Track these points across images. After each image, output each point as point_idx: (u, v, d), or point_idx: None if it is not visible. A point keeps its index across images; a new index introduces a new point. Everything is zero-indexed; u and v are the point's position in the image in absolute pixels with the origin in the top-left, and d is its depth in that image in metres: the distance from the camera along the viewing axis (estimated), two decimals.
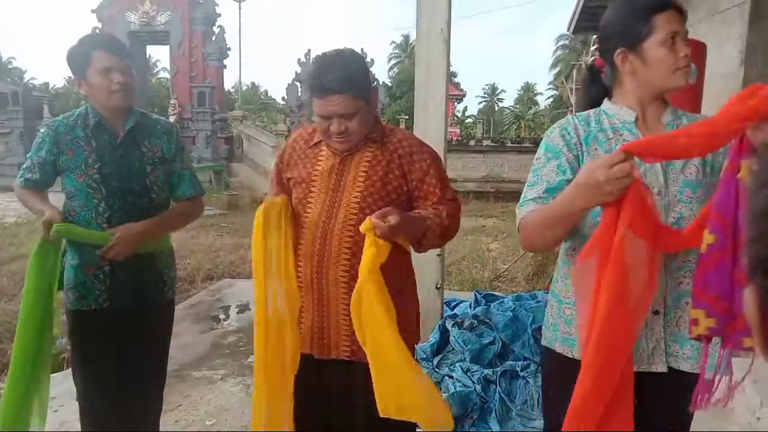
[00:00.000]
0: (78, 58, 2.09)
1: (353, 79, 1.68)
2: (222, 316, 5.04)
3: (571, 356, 1.51)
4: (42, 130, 2.21)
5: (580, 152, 1.49)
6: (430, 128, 3.39)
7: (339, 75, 1.66)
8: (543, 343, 1.65)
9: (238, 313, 5.15)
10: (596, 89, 1.62)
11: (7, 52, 69.53)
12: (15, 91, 17.76)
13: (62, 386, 3.33)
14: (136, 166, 2.19)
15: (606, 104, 1.57)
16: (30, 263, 2.00)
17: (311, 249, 1.78)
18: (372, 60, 18.02)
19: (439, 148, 3.10)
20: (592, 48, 27.80)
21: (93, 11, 19.17)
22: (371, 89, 1.77)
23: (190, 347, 4.17)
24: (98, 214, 2.12)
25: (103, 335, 2.18)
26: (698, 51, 4.22)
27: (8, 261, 6.97)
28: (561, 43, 50.36)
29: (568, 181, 1.42)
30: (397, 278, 1.81)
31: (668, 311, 1.47)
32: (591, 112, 1.58)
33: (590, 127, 1.53)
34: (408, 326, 1.86)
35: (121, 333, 2.21)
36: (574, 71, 29.36)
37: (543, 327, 1.67)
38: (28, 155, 2.22)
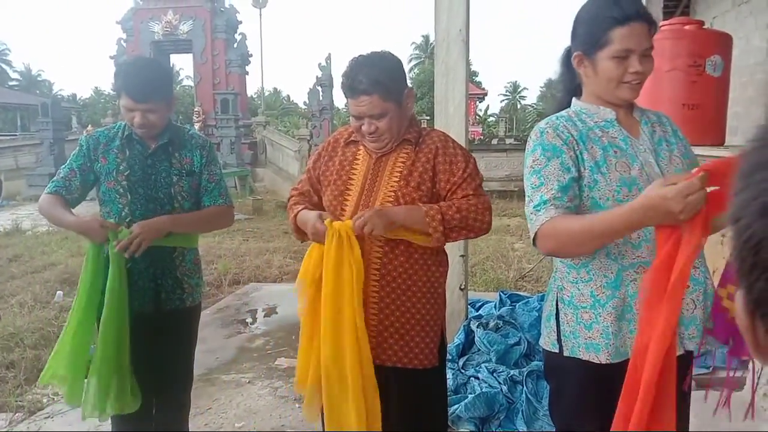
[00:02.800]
0: (115, 85, 2.24)
1: (381, 81, 1.72)
2: (249, 320, 5.11)
3: (598, 361, 1.50)
4: (82, 139, 2.32)
5: (578, 150, 1.49)
6: (450, 129, 3.38)
7: (368, 76, 1.72)
8: (561, 352, 1.60)
9: (264, 316, 5.20)
10: (571, 72, 1.62)
11: (37, 65, 71.22)
12: (45, 102, 18.15)
13: None
14: (162, 175, 2.26)
15: (579, 104, 1.59)
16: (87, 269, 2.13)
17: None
18: None
19: None
20: None
21: (118, 23, 19.57)
22: (403, 91, 1.80)
23: (218, 351, 4.23)
24: (121, 219, 2.20)
25: (131, 338, 2.23)
26: (723, 42, 4.15)
27: (41, 269, 7.14)
28: None
29: (574, 179, 1.45)
30: (427, 280, 1.84)
31: None
32: (567, 112, 1.59)
33: (578, 126, 1.53)
34: (433, 332, 1.88)
35: (143, 337, 2.26)
36: None
37: (554, 337, 1.62)
38: (64, 166, 2.29)
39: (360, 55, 1.81)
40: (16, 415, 3.37)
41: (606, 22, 1.46)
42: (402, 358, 1.83)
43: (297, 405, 3.30)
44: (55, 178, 2.26)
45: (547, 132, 1.52)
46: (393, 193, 1.79)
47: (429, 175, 1.82)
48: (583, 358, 1.53)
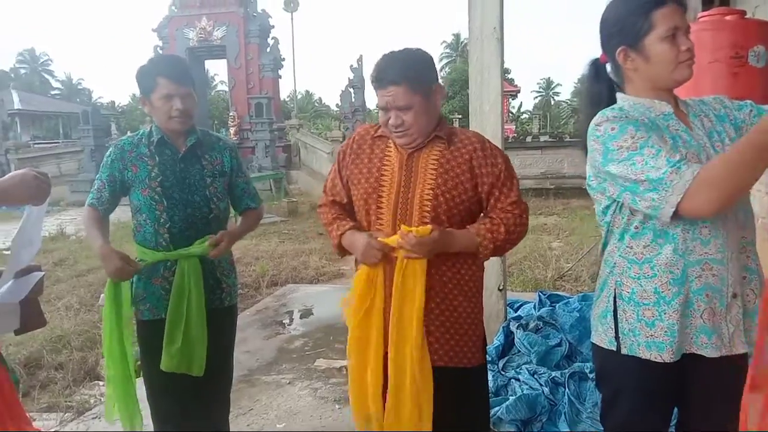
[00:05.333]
0: (144, 80, 2.22)
1: (409, 73, 1.73)
2: (287, 321, 5.16)
3: (661, 360, 1.48)
4: (109, 150, 2.35)
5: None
6: (486, 128, 3.36)
7: (396, 67, 1.73)
8: (618, 350, 1.57)
9: (302, 318, 5.25)
10: (601, 84, 1.61)
11: (77, 74, 73.38)
12: (86, 110, 18.70)
13: (141, 391, 3.50)
14: (196, 178, 2.29)
15: (629, 98, 1.55)
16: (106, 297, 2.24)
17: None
18: None
19: None
20: None
21: (154, 30, 20.01)
22: (432, 86, 1.79)
23: (258, 353, 4.29)
24: (160, 225, 2.23)
25: None
26: (764, 32, 4.00)
27: (85, 273, 7.35)
28: None
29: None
30: (467, 283, 1.84)
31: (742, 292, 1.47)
32: (622, 106, 1.54)
33: (642, 114, 1.50)
34: (478, 330, 1.88)
35: None
36: None
37: (597, 329, 1.61)
38: (96, 176, 2.35)
39: (390, 52, 1.82)
40: (66, 414, 3.48)
41: (644, 8, 1.45)
42: (454, 357, 1.83)
43: (337, 406, 3.33)
44: (92, 188, 2.34)
45: (622, 115, 1.48)
46: (431, 191, 1.78)
47: (467, 176, 1.80)
48: (643, 357, 1.50)
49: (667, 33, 1.44)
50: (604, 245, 1.61)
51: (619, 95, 1.58)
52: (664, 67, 1.47)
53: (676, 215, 1.37)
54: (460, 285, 1.83)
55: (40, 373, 4.08)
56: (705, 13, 4.16)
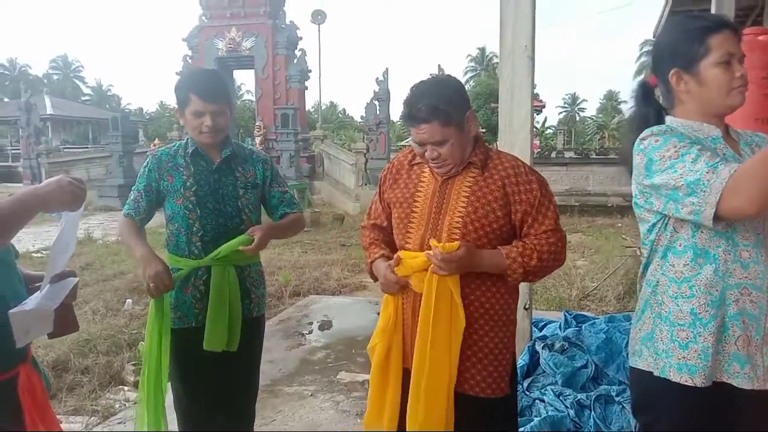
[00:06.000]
0: (179, 94, 2.27)
1: (441, 108, 1.71)
2: (310, 332, 5.16)
3: (692, 384, 1.45)
4: (146, 161, 2.40)
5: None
6: (515, 145, 3.35)
7: (427, 104, 1.71)
8: (647, 368, 1.56)
9: (324, 329, 5.25)
10: (649, 107, 1.62)
11: (107, 80, 74.99)
12: (115, 117, 19.09)
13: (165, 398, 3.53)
14: (229, 189, 2.33)
15: (678, 121, 1.55)
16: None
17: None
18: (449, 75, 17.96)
19: None
20: None
21: (184, 39, 20.37)
22: (464, 116, 1.77)
23: (281, 363, 4.30)
24: (193, 234, 2.27)
25: (200, 351, 2.30)
26: None
27: (111, 278, 7.45)
28: (645, 49, 48.50)
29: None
30: (497, 311, 1.82)
31: None
32: (670, 124, 1.55)
33: (691, 134, 1.50)
34: (505, 359, 1.86)
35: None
36: None
37: (642, 353, 1.58)
38: (133, 187, 2.40)
39: (420, 82, 1.80)
40: (92, 418, 3.52)
41: (701, 32, 1.47)
42: (473, 386, 1.80)
43: (359, 420, 3.32)
44: (128, 200, 2.38)
45: (668, 130, 1.49)
46: (460, 219, 1.77)
47: (500, 203, 1.78)
48: (673, 380, 1.48)
49: (722, 59, 1.45)
50: (646, 266, 1.59)
51: (668, 117, 1.59)
52: (718, 92, 1.48)
53: (719, 219, 1.35)
54: (489, 312, 1.80)
55: (67, 376, 4.14)
56: None
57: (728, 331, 1.45)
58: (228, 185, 2.33)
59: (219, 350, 2.26)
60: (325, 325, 5.31)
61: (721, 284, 1.44)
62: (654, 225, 1.53)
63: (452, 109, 1.72)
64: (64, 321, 1.71)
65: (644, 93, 1.63)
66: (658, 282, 1.54)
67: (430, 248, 1.76)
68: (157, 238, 4.26)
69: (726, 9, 5.04)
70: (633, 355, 1.61)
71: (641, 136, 1.52)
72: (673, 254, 1.50)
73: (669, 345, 1.49)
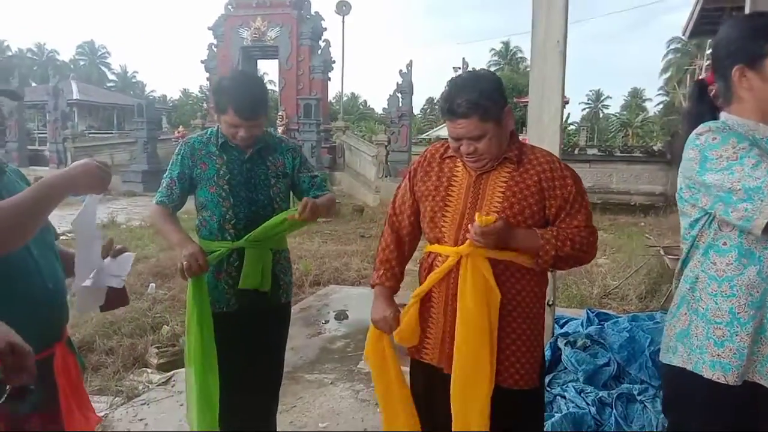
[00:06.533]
0: (218, 100, 2.28)
1: (480, 103, 1.70)
2: (329, 322, 5.20)
3: (724, 382, 1.45)
4: (178, 147, 2.43)
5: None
6: (544, 140, 3.33)
7: (466, 99, 1.70)
8: (681, 364, 1.55)
9: (344, 319, 5.28)
10: (704, 105, 1.61)
11: (132, 67, 75.83)
12: (140, 104, 19.33)
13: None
14: (261, 178, 2.36)
15: (734, 118, 1.53)
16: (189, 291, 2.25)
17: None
18: (474, 69, 17.82)
19: None
20: (708, 51, 26.26)
21: (209, 28, 20.48)
22: (502, 111, 1.77)
23: (302, 350, 4.35)
24: (226, 221, 2.30)
25: (231, 335, 2.34)
26: None
27: (135, 262, 7.48)
28: (672, 46, 47.77)
29: None
30: (530, 300, 1.82)
31: None
32: (725, 120, 1.53)
33: (747, 133, 1.48)
34: (536, 352, 1.86)
35: (246, 333, 2.38)
36: (687, 76, 27.75)
37: (676, 349, 1.57)
38: (164, 175, 2.42)
39: (458, 77, 1.81)
40: (116, 399, 3.59)
41: (767, 30, 1.46)
42: (506, 378, 1.81)
43: (378, 410, 3.34)
44: (159, 188, 2.41)
45: (725, 127, 1.48)
46: (496, 214, 1.76)
47: (535, 198, 1.78)
48: (706, 376, 1.47)
49: None
50: (685, 261, 1.57)
51: (723, 114, 1.57)
52: None
53: None
54: (521, 304, 1.81)
55: (92, 356, 4.22)
56: None
57: (766, 333, 1.44)
58: (260, 174, 2.36)
59: (253, 288, 2.31)
60: (343, 315, 5.33)
61: (763, 286, 1.42)
62: (697, 221, 1.52)
63: (491, 104, 1.72)
64: (116, 295, 1.75)
65: (699, 91, 1.63)
66: (697, 278, 1.52)
67: (464, 242, 1.77)
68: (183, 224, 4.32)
69: (761, 5, 4.95)
70: (667, 352, 1.60)
71: (697, 130, 1.50)
72: (716, 252, 1.48)
73: (704, 342, 1.49)
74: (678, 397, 1.59)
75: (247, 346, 2.39)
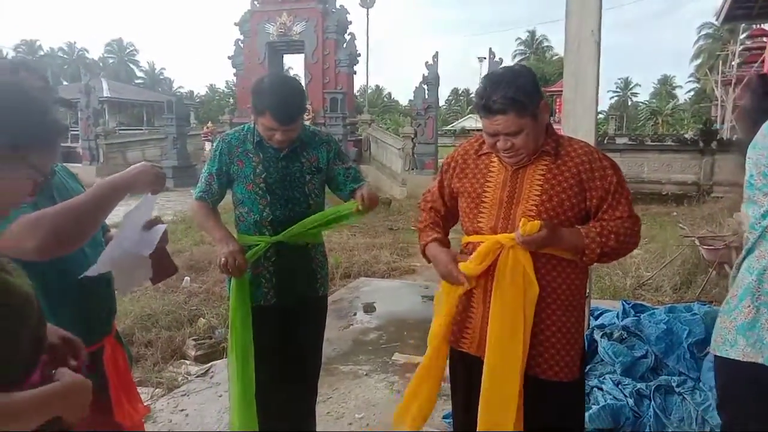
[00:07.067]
0: (256, 103, 2.28)
1: (516, 99, 1.70)
2: (362, 314, 5.25)
3: None
4: (215, 143, 2.47)
5: None
6: (579, 131, 3.30)
7: (502, 95, 1.70)
8: (741, 358, 1.52)
9: (375, 311, 5.31)
10: (767, 100, 1.59)
11: (159, 64, 76.82)
12: (170, 100, 19.62)
13: (225, 373, 3.66)
14: (296, 175, 2.38)
15: None
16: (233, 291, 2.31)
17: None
18: (501, 59, 17.72)
19: None
20: (742, 36, 25.50)
21: (236, 24, 20.63)
22: (538, 106, 1.76)
23: (335, 342, 4.39)
24: (262, 218, 2.34)
25: (269, 328, 2.39)
26: None
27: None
28: (704, 32, 46.61)
29: None
30: (570, 292, 1.82)
31: None
32: None
33: None
34: (576, 344, 1.86)
35: (283, 326, 2.42)
36: (720, 62, 27.06)
37: (736, 342, 1.54)
38: (203, 171, 2.47)
39: (493, 73, 1.80)
40: (156, 390, 3.68)
41: None
42: (546, 370, 1.82)
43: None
44: (198, 184, 2.45)
45: None
46: (534, 207, 1.77)
47: (574, 190, 1.77)
48: (764, 363, 1.45)
49: None
50: (750, 250, 1.54)
51: None
52: None
53: None
54: (561, 297, 1.81)
55: (132, 348, 4.32)
56: None
57: None
58: (295, 171, 2.38)
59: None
60: (371, 308, 5.37)
61: None
62: None
63: (527, 100, 1.71)
64: (161, 265, 1.79)
65: (764, 85, 1.61)
66: (765, 270, 1.49)
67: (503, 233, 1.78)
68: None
69: None
70: (723, 344, 1.57)
71: None
72: None
73: (763, 332, 1.46)
74: (734, 392, 1.57)
75: (285, 339, 2.43)
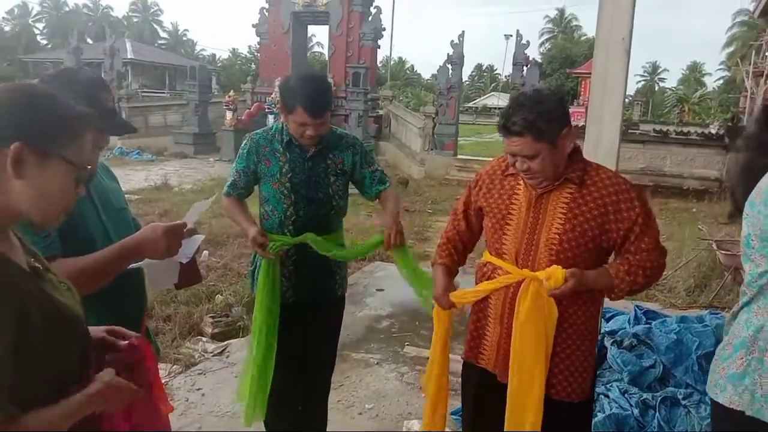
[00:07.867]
0: (285, 98, 2.32)
1: (536, 124, 1.72)
2: (375, 300, 5.32)
3: None
4: (244, 142, 2.52)
5: None
6: (602, 139, 3.29)
7: (522, 118, 1.73)
8: (720, 400, 1.54)
9: (389, 298, 5.37)
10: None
11: (182, 25, 76.43)
12: (193, 66, 19.59)
13: (241, 353, 3.76)
14: (321, 176, 2.43)
15: None
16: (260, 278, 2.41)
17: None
18: (528, 42, 17.40)
19: (611, 160, 3.02)
20: None
21: None
22: (559, 133, 1.77)
23: (349, 328, 4.47)
24: (286, 218, 2.40)
25: (287, 326, 2.47)
26: None
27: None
28: (738, 19, 45.30)
29: None
30: (585, 319, 1.87)
31: None
32: None
33: None
34: (588, 365, 1.91)
35: (300, 324, 2.49)
36: (753, 51, 26.38)
37: (725, 388, 1.54)
38: (232, 167, 2.54)
39: (520, 93, 1.82)
40: (174, 366, 3.80)
41: None
42: (560, 391, 1.88)
43: (423, 394, 3.45)
44: (228, 181, 2.53)
45: None
46: (557, 237, 1.80)
47: (597, 221, 1.79)
48: (757, 417, 1.45)
49: None
50: (746, 303, 1.54)
51: None
52: None
53: None
54: (576, 323, 1.86)
55: (151, 322, 4.44)
56: None
57: None
58: (320, 173, 2.43)
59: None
60: (389, 294, 5.43)
61: None
62: (767, 272, 1.48)
63: (547, 126, 1.73)
64: (189, 273, 1.84)
65: (767, 118, 1.58)
66: (761, 328, 1.49)
67: (525, 261, 1.83)
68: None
69: None
70: (715, 387, 1.58)
71: None
72: None
73: (755, 379, 1.47)
74: None
75: (302, 336, 2.51)
